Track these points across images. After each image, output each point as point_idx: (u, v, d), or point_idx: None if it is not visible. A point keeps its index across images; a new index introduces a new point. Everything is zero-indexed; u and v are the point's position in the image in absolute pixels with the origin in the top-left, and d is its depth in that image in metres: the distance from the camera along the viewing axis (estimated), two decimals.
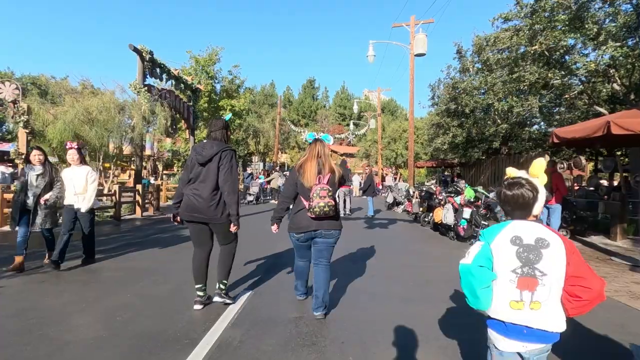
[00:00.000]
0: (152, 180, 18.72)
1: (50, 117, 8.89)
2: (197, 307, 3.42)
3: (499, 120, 14.17)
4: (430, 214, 9.66)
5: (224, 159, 3.30)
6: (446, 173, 35.85)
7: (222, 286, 3.52)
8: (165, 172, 28.42)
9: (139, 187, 10.93)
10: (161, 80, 13.99)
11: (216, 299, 3.51)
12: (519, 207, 1.56)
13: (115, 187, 9.84)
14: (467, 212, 7.24)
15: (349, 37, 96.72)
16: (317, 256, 3.29)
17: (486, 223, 7.35)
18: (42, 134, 8.77)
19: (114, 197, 9.86)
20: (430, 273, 5.01)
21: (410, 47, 17.88)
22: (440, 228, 8.73)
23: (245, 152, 33.26)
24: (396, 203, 14.61)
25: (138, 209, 10.92)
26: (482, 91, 14.24)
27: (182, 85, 15.85)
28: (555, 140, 6.28)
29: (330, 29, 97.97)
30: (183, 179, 3.48)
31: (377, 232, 8.96)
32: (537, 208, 1.56)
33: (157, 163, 31.89)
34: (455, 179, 21.83)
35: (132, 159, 36.25)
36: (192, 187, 3.34)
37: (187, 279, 4.42)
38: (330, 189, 3.12)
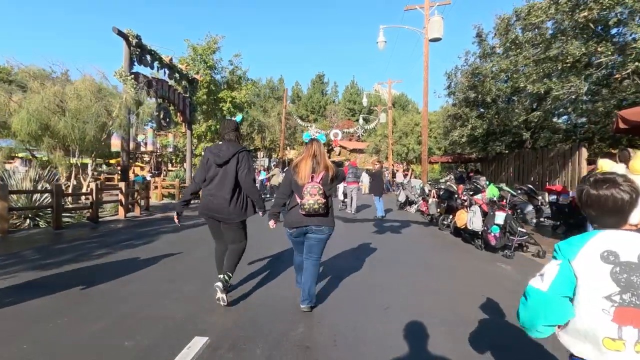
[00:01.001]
0: (148, 177, 17.74)
1: (15, 105, 7.83)
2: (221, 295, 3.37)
3: (521, 109, 12.65)
4: (450, 217, 8.32)
5: (242, 161, 3.40)
6: (459, 169, 34.22)
7: (226, 277, 3.40)
8: (171, 169, 27.46)
9: (122, 184, 9.83)
10: (152, 68, 12.90)
11: (217, 285, 3.35)
12: (609, 213, 1.18)
13: (93, 185, 8.74)
14: (500, 217, 5.89)
15: (358, 31, 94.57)
16: (308, 251, 3.37)
17: (524, 230, 6.00)
18: (7, 126, 7.75)
19: (90, 196, 8.77)
20: (462, 301, 3.71)
21: (424, 32, 16.39)
22: (463, 234, 7.39)
23: (250, 147, 32.17)
24: (409, 202, 13.26)
25: (121, 209, 9.84)
26: (506, 77, 12.73)
27: (177, 75, 14.75)
28: (622, 125, 4.88)
29: (339, 23, 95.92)
30: (198, 178, 3.54)
31: (389, 237, 7.66)
32: (636, 216, 1.24)
33: (160, 159, 31.04)
34: (471, 175, 20.32)
35: (137, 154, 35.24)
36: (209, 188, 3.44)
37: (132, 313, 3.25)
38: (322, 187, 3.18)
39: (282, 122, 27.99)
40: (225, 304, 3.35)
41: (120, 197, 9.87)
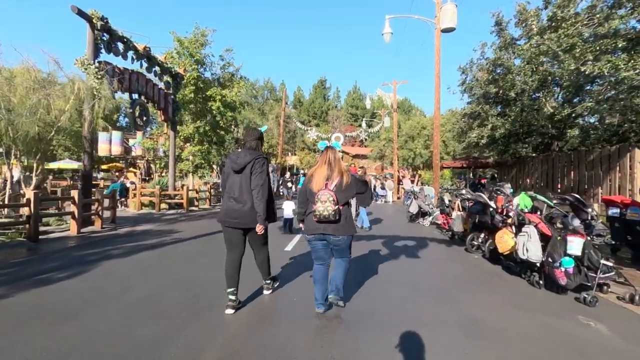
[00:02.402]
0: (128, 184, 15.99)
1: None
2: (229, 311, 3.40)
3: (551, 103, 10.85)
4: (482, 235, 6.48)
5: (256, 165, 3.42)
6: (469, 176, 32.21)
7: (268, 281, 3.89)
8: (165, 175, 25.69)
9: (74, 193, 8.06)
10: (125, 58, 11.19)
11: (265, 292, 3.89)
12: None
13: (31, 195, 6.97)
14: (575, 245, 4.04)
15: (361, 33, 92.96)
16: (335, 255, 3.48)
17: (609, 263, 4.14)
18: None
19: (28, 209, 7.00)
20: None
21: (435, 22, 14.71)
22: (505, 261, 5.56)
23: None
24: (421, 213, 11.40)
25: (73, 224, 8.06)
26: (533, 69, 10.96)
27: (158, 69, 13.05)
28: None
29: (342, 26, 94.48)
30: (222, 185, 3.63)
31: (404, 265, 5.82)
32: None
33: (154, 164, 29.27)
34: (483, 182, 18.36)
35: (129, 159, 33.41)
36: (230, 195, 3.49)
37: None
38: (334, 194, 3.19)
39: (281, 125, 26.21)
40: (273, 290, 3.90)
41: (73, 208, 8.10)
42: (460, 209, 7.39)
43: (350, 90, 62.67)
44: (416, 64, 78.79)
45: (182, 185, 18.81)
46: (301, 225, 3.61)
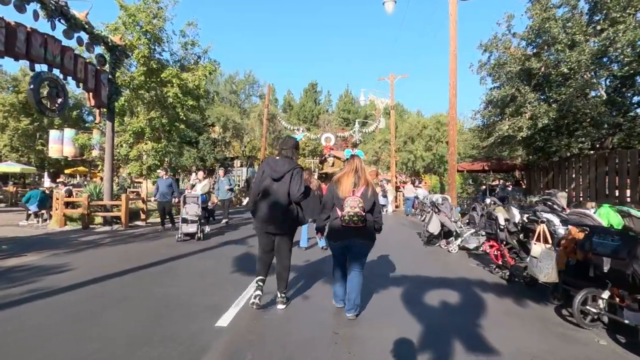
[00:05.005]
0: (63, 191, 12.38)
1: None
2: (255, 299, 3.59)
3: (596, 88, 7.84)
4: (607, 296, 3.21)
5: (295, 176, 3.57)
6: (470, 182, 29.08)
7: (282, 294, 3.71)
8: (140, 180, 22.05)
9: None
10: (21, 10, 7.78)
11: (279, 306, 3.66)
12: None
13: None
14: None
15: (354, 33, 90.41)
16: (351, 262, 3.50)
17: None
18: None
19: None
20: None
21: None
22: None
23: (228, 155, 26.86)
24: (443, 233, 8.13)
25: None
26: (588, 34, 7.92)
27: (85, 35, 9.63)
28: None
29: (334, 25, 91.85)
30: (255, 189, 3.70)
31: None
32: None
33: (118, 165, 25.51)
34: (495, 188, 15.23)
35: (92, 160, 29.41)
36: (264, 200, 3.59)
37: None
38: (362, 200, 3.35)
39: (264, 124, 22.87)
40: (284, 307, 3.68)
41: None
42: (550, 240, 4.08)
43: (342, 94, 59.85)
44: (416, 57, 75.43)
45: (133, 192, 15.31)
46: (318, 235, 3.78)
